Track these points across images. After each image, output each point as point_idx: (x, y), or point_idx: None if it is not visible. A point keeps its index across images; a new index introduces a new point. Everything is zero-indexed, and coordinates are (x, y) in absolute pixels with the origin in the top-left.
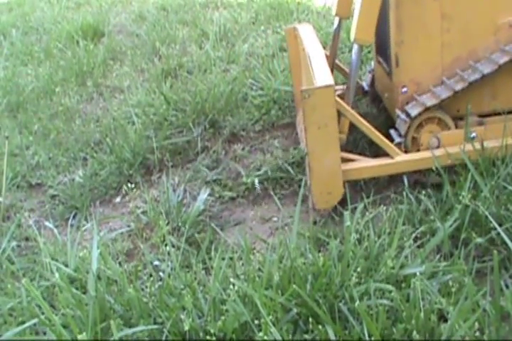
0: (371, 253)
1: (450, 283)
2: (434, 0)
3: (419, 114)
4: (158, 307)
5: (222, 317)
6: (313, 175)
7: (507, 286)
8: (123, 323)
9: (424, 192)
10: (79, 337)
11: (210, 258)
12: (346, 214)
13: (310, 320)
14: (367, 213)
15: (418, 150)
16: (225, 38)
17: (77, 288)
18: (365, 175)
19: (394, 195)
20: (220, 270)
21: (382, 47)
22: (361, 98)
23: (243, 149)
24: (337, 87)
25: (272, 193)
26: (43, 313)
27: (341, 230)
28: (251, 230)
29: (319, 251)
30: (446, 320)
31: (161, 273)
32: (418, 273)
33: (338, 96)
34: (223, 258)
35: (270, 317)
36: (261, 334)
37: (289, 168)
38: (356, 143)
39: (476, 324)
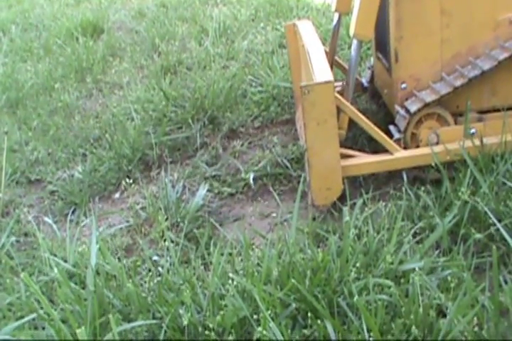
0: (370, 248)
1: (449, 278)
2: None
3: (419, 110)
4: (157, 302)
5: (221, 312)
6: (312, 171)
7: (506, 282)
8: (122, 318)
9: (423, 188)
10: (77, 331)
11: (209, 254)
12: (345, 209)
13: (309, 315)
14: (366, 209)
15: (417, 146)
16: (225, 35)
17: (76, 283)
18: (365, 171)
19: (393, 191)
20: (219, 265)
21: (381, 43)
22: (361, 94)
23: (242, 145)
24: (336, 84)
25: (271, 189)
26: (41, 308)
27: (340, 226)
28: (250, 226)
29: (318, 247)
30: (444, 316)
31: (159, 269)
32: (417, 269)
33: (338, 92)
34: (222, 254)
35: (269, 312)
36: (260, 329)
37: (288, 164)
38: (355, 140)
39: (475, 319)
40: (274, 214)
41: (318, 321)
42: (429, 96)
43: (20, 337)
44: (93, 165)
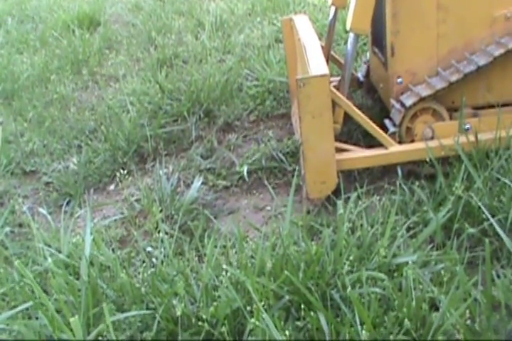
0: (364, 242)
1: (442, 272)
2: None
3: (414, 104)
4: (151, 293)
5: (215, 303)
6: (307, 164)
7: (498, 276)
8: (115, 308)
9: (417, 183)
10: (71, 320)
11: (203, 246)
12: (339, 203)
13: (302, 307)
14: (360, 203)
15: (412, 141)
16: (221, 29)
17: (70, 274)
18: (359, 165)
19: (387, 185)
20: (212, 257)
21: (377, 38)
22: (356, 89)
23: (237, 139)
24: (332, 79)
25: (265, 183)
26: (35, 298)
27: (334, 219)
28: (244, 219)
29: (312, 240)
30: (437, 309)
31: (154, 260)
32: (410, 262)
33: (334, 87)
34: (216, 246)
35: (262, 303)
36: (253, 320)
37: (283, 158)
38: (351, 135)
39: (467, 313)
40: (268, 208)
41: (312, 313)
42: (424, 91)
43: (13, 326)
44: (88, 156)
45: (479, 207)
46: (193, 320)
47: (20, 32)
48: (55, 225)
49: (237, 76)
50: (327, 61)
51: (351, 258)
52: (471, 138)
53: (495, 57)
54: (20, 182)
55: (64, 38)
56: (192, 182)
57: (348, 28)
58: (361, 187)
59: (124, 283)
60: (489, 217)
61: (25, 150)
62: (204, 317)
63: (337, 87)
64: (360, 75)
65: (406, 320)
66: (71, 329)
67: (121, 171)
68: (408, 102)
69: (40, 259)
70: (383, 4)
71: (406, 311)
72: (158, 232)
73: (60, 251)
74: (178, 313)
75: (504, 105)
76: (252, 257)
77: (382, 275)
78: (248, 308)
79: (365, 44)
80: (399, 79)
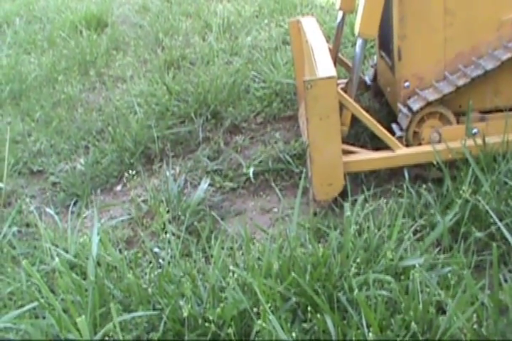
0: (371, 244)
1: (449, 275)
2: None
3: (421, 109)
4: (158, 293)
5: (221, 305)
6: (314, 166)
7: (506, 280)
8: (122, 309)
9: (424, 186)
10: (78, 320)
11: (209, 247)
12: (346, 205)
13: (309, 309)
14: (367, 205)
15: (419, 145)
16: (229, 31)
17: (77, 274)
18: (366, 167)
19: (394, 188)
20: (219, 258)
21: (384, 42)
22: (363, 92)
23: (244, 140)
24: (339, 81)
25: (272, 184)
26: (42, 297)
27: (341, 222)
28: (251, 220)
29: (319, 242)
30: (444, 312)
31: (160, 261)
32: (417, 265)
33: (341, 89)
34: (223, 248)
35: (269, 305)
36: (259, 322)
37: (290, 160)
38: (358, 137)
39: (474, 316)
40: (275, 210)
41: (318, 315)
42: (431, 95)
43: (20, 325)
44: (95, 157)
45: (487, 211)
46: (200, 321)
47: (28, 32)
48: (62, 225)
49: (244, 78)
50: (334, 64)
51: (358, 260)
52: (479, 141)
53: (502, 61)
54: (27, 181)
55: (71, 38)
56: (199, 184)
57: (355, 33)
58: (368, 189)
59: (131, 284)
60: (497, 220)
61: (33, 150)
62: (211, 318)
63: (344, 90)
64: (367, 79)
65: (413, 323)
66: (78, 329)
67: (129, 172)
68: (415, 106)
69: (47, 259)
70: (390, 8)
71: (413, 314)
72: (165, 233)
73: (67, 251)
74: (185, 314)
75: None
76: (258, 259)
77: (389, 278)
78: (255, 310)
79: (372, 47)
80: (406, 84)
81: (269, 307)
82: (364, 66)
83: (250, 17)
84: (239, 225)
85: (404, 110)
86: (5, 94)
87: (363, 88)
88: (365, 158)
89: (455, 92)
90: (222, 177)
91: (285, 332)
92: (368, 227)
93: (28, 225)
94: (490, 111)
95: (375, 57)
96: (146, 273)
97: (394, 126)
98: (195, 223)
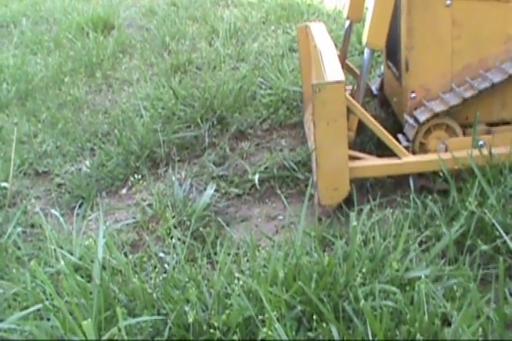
0: (376, 254)
1: (455, 287)
2: (446, 6)
3: (428, 120)
4: (163, 298)
5: (227, 311)
6: (319, 170)
7: (511, 294)
8: (127, 313)
9: (430, 197)
10: (83, 323)
11: (215, 253)
12: (352, 215)
13: (314, 317)
14: (373, 215)
15: None
16: (235, 36)
17: (81, 276)
18: (372, 173)
19: (400, 198)
20: (225, 265)
21: (392, 52)
22: (369, 101)
23: (250, 147)
24: (347, 87)
25: (278, 191)
26: (47, 299)
27: (347, 231)
28: (256, 227)
29: (324, 251)
30: (449, 324)
31: (165, 266)
32: (423, 277)
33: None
34: (229, 254)
35: (274, 313)
36: (265, 329)
37: (296, 167)
38: (364, 145)
39: (480, 330)
40: (280, 217)
41: (324, 324)
42: (438, 107)
43: (25, 326)
44: (101, 160)
45: (493, 224)
46: (205, 327)
47: (34, 33)
48: (67, 227)
49: (250, 84)
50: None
51: (364, 270)
52: (485, 152)
53: (510, 74)
54: (32, 182)
55: (78, 40)
56: (204, 189)
57: (363, 43)
58: (374, 199)
59: (136, 288)
60: (503, 234)
61: (39, 151)
62: (216, 324)
63: (352, 96)
64: (373, 88)
65: (418, 335)
66: (83, 332)
67: (134, 175)
68: (422, 118)
69: (52, 261)
70: (398, 19)
71: (418, 325)
72: (171, 238)
73: (71, 254)
74: (190, 320)
75: None
76: (264, 266)
77: (394, 289)
78: (260, 317)
79: (379, 56)
80: (413, 94)
81: (275, 315)
82: (370, 75)
83: (257, 23)
84: (244, 232)
85: (411, 121)
86: (11, 94)
87: (369, 96)
88: (371, 164)
89: (462, 104)
90: (228, 183)
91: (290, 340)
92: (374, 237)
93: (33, 226)
94: (496, 124)
95: (382, 66)
96: (151, 278)
97: (400, 136)
98: (201, 228)
